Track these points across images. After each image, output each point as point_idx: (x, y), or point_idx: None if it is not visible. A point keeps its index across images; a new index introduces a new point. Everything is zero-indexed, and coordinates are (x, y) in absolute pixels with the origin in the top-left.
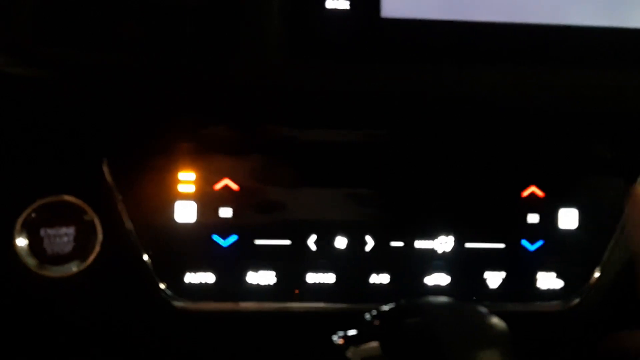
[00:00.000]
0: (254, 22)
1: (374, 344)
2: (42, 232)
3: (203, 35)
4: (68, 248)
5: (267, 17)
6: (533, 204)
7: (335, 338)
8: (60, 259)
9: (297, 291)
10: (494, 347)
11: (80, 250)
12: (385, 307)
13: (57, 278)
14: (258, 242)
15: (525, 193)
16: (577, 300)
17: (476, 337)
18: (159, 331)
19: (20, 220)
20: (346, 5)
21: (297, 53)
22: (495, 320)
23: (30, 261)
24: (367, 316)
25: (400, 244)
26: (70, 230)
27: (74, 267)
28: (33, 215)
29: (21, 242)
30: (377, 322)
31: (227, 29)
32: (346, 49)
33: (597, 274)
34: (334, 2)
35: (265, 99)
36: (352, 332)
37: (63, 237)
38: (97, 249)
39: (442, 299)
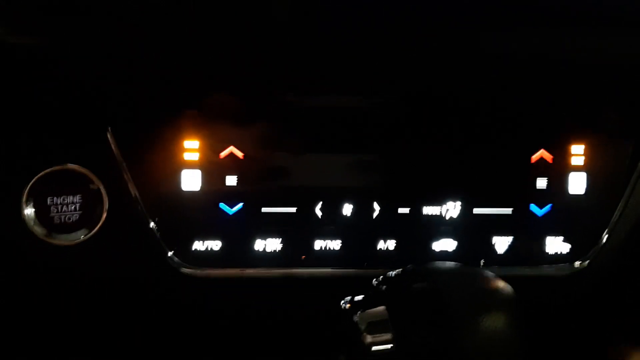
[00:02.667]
0: None
1: (381, 308)
2: (49, 201)
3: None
4: (75, 216)
5: None
6: (542, 168)
7: (342, 303)
8: (68, 227)
9: (303, 257)
10: (500, 311)
11: (87, 218)
12: (392, 273)
13: (64, 246)
14: (264, 209)
15: (535, 157)
16: (585, 264)
17: (482, 301)
18: (167, 297)
19: (26, 190)
20: None
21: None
22: (502, 285)
23: (38, 230)
24: (374, 281)
25: (407, 210)
26: (77, 198)
27: (81, 235)
28: (40, 184)
29: (29, 211)
30: (383, 287)
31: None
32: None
33: (605, 237)
34: None
35: (271, 64)
36: (359, 297)
37: (70, 205)
38: (104, 217)
39: (449, 263)
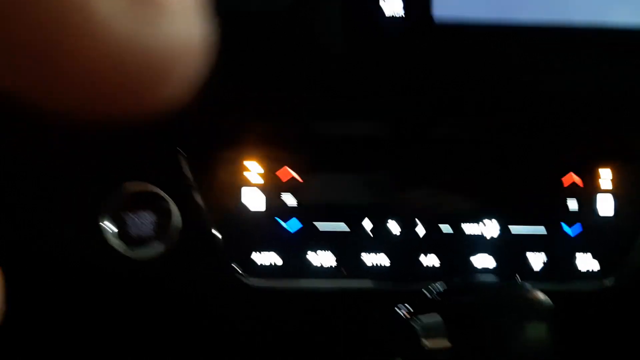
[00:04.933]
0: (320, 25)
1: (437, 317)
2: (126, 217)
3: (273, 39)
4: (149, 232)
5: (332, 22)
6: (573, 191)
7: (399, 310)
8: (143, 242)
9: (344, 271)
10: (542, 321)
11: (161, 233)
12: (445, 286)
13: (140, 260)
14: (317, 224)
15: (566, 181)
16: (613, 281)
17: (525, 312)
18: (231, 306)
19: (106, 206)
20: (401, 13)
21: (358, 54)
22: (542, 297)
23: (117, 244)
24: (428, 293)
25: (448, 227)
26: (151, 215)
27: (155, 250)
28: (118, 201)
29: (108, 226)
30: (438, 299)
31: (295, 35)
32: (402, 51)
33: (631, 256)
34: (391, 11)
35: (326, 95)
36: (414, 306)
37: (145, 221)
38: (176, 232)
39: (492, 278)
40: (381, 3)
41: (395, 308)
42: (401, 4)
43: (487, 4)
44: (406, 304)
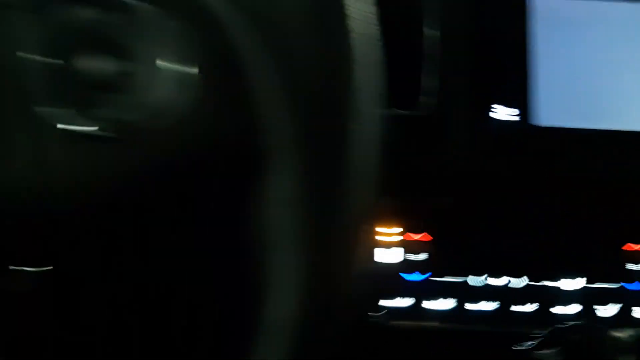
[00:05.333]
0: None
1: (554, 350)
2: None
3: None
4: None
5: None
6: (630, 254)
7: (523, 346)
8: None
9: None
10: (632, 352)
11: None
12: (559, 327)
13: None
14: (432, 278)
15: (625, 247)
16: None
17: (621, 346)
18: (372, 342)
19: None
20: (514, 118)
21: (479, 151)
22: (632, 333)
23: None
24: (547, 332)
25: (536, 282)
26: None
27: None
28: None
29: None
30: (555, 335)
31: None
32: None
33: None
34: (506, 117)
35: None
36: (534, 342)
37: None
38: None
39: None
40: (500, 111)
41: (516, 346)
42: (518, 112)
43: (574, 115)
44: (530, 341)
